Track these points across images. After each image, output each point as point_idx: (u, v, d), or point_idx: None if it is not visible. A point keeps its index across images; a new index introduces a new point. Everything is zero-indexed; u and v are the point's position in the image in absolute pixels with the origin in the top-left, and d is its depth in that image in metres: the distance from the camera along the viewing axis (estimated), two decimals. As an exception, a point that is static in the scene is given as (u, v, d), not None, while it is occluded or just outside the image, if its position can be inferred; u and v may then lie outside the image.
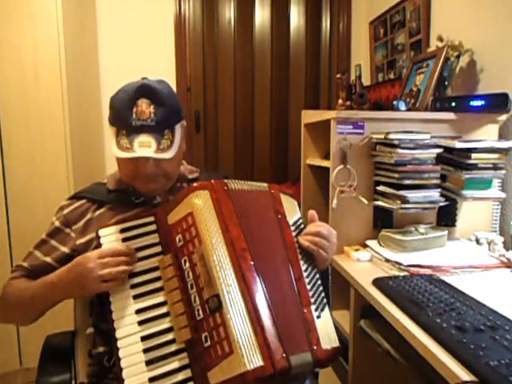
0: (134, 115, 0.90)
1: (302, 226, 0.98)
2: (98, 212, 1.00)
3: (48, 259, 0.96)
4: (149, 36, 2.51)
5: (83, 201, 1.02)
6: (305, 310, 0.84)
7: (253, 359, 0.72)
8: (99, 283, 0.81)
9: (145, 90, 0.92)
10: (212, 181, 0.88)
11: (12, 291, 0.93)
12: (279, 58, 2.77)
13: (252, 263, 0.81)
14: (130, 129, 0.90)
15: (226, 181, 0.90)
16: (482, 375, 0.68)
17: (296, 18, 2.77)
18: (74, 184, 1.88)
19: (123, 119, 0.91)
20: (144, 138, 0.89)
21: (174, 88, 2.55)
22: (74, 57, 1.95)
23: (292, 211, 0.98)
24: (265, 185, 0.98)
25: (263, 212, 0.92)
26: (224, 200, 0.86)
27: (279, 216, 0.94)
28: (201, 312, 0.77)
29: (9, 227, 1.84)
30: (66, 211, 1.01)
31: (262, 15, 2.72)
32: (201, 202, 0.84)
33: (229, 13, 2.68)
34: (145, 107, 0.91)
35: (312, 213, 0.98)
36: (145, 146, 0.88)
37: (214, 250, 0.80)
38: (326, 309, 0.89)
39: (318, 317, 0.85)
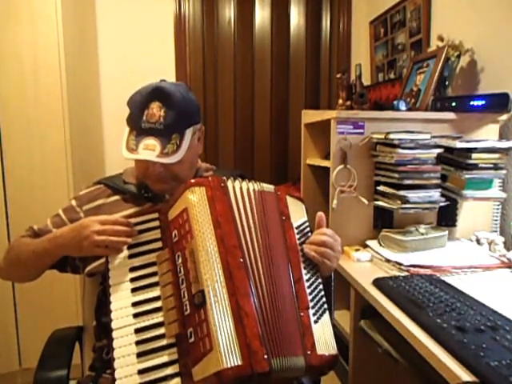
0: (144, 117, 0.94)
1: (308, 229, 0.98)
2: (110, 199, 1.05)
3: (54, 230, 1.00)
4: (149, 36, 2.50)
5: (100, 185, 1.08)
6: (301, 314, 0.82)
7: (231, 357, 0.70)
8: (93, 247, 0.85)
9: (158, 92, 0.95)
10: (209, 178, 0.89)
11: (17, 245, 1.00)
12: (279, 58, 2.76)
13: (242, 260, 0.80)
14: (140, 131, 0.94)
15: (224, 178, 0.90)
16: (482, 375, 0.67)
17: (296, 17, 2.76)
18: (74, 183, 1.88)
19: (135, 121, 0.95)
20: (149, 141, 0.93)
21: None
22: (73, 56, 1.94)
23: (298, 214, 0.98)
24: (271, 186, 0.98)
25: (266, 212, 0.91)
26: (219, 197, 0.86)
27: (283, 217, 0.93)
28: (188, 307, 0.77)
29: (8, 226, 1.84)
30: (81, 193, 1.08)
31: (261, 15, 2.72)
32: (195, 198, 0.84)
33: (229, 13, 2.68)
34: (156, 110, 0.94)
35: (320, 215, 0.96)
36: (149, 149, 0.92)
37: (203, 245, 0.80)
38: (326, 315, 0.87)
39: (316, 322, 0.83)
